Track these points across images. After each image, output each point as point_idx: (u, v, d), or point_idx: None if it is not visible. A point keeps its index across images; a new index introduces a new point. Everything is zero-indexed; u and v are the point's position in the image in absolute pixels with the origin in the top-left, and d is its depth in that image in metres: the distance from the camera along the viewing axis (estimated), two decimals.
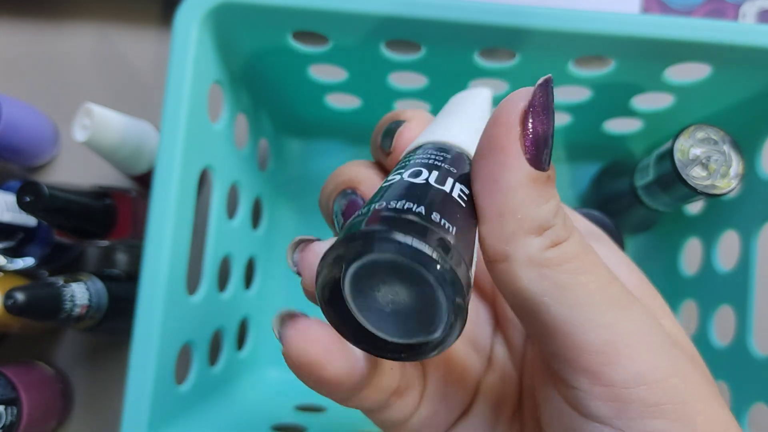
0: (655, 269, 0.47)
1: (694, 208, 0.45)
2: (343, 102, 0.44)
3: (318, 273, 0.15)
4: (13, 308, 0.35)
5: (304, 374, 0.16)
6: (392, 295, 0.15)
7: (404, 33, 0.33)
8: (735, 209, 0.40)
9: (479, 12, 0.31)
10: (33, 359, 0.47)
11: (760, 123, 0.38)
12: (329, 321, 0.16)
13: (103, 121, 0.40)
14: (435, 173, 0.16)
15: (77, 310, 0.39)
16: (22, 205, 0.36)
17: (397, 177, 0.16)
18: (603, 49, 0.33)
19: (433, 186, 0.16)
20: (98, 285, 0.41)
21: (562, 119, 0.44)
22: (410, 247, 0.14)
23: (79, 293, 0.39)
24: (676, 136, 0.36)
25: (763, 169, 0.38)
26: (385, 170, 0.20)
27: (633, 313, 0.16)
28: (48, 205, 0.36)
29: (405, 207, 0.15)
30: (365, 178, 0.18)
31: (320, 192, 0.19)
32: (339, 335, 0.16)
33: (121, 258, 0.50)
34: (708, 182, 0.36)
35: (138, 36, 0.52)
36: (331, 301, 0.15)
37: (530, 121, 0.15)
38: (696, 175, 0.36)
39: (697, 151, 0.36)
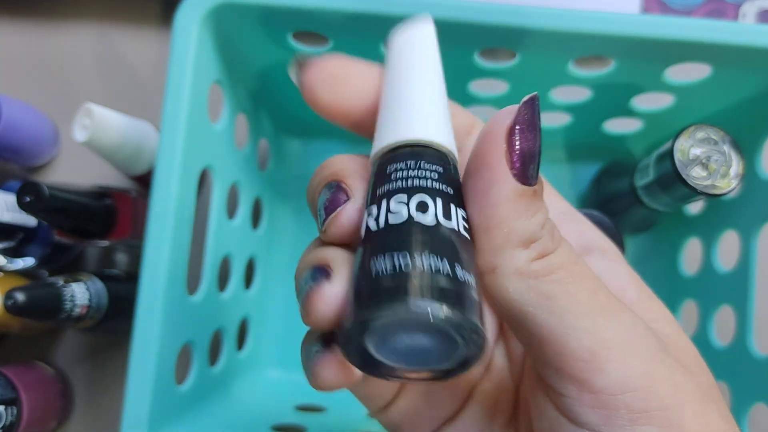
0: (655, 269, 0.47)
1: (694, 208, 0.45)
2: None
3: (344, 326, 0.15)
4: (13, 308, 0.35)
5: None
6: (413, 339, 0.15)
7: None
8: (735, 209, 0.40)
9: (479, 12, 0.31)
10: (33, 359, 0.47)
11: (760, 123, 0.38)
12: (344, 356, 0.16)
13: (103, 121, 0.40)
14: (439, 203, 0.16)
15: (77, 310, 0.39)
16: (22, 205, 0.36)
17: (403, 210, 0.16)
18: (603, 49, 0.33)
19: (443, 227, 0.16)
20: (98, 285, 0.41)
21: (562, 119, 0.44)
22: (445, 319, 0.14)
23: (79, 293, 0.39)
24: (676, 136, 0.36)
25: (763, 169, 0.38)
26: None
27: (621, 320, 0.16)
28: (48, 205, 0.36)
29: (433, 267, 0.15)
30: (352, 171, 0.18)
31: (308, 185, 0.19)
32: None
33: (121, 258, 0.50)
34: (708, 182, 0.36)
35: (138, 36, 0.52)
36: (349, 344, 0.16)
37: (516, 138, 0.16)
38: (696, 175, 0.36)
39: (697, 151, 0.36)
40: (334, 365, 0.17)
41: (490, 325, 0.22)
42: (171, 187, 0.31)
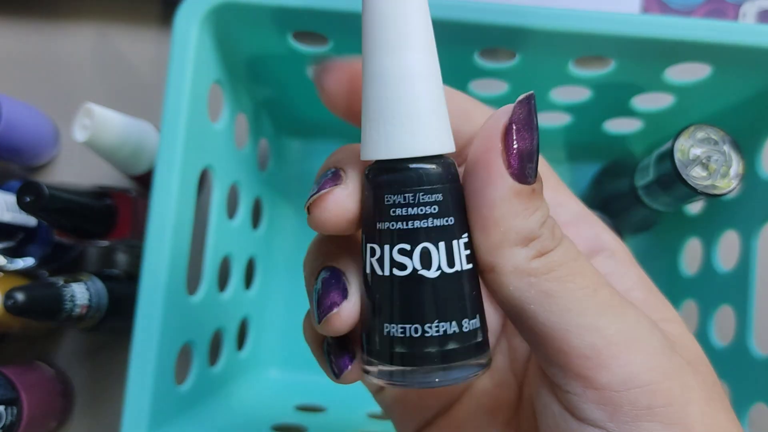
0: (655, 269, 0.47)
1: (694, 208, 0.45)
2: None
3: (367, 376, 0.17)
4: (13, 308, 0.35)
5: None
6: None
7: None
8: (735, 209, 0.40)
9: (479, 12, 0.31)
10: (33, 359, 0.47)
11: (760, 123, 0.38)
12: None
13: (103, 121, 0.40)
14: (442, 249, 0.16)
15: (77, 310, 0.39)
16: (22, 205, 0.36)
17: (407, 263, 0.16)
18: (603, 49, 0.33)
19: (448, 277, 0.16)
20: (98, 285, 0.41)
21: (562, 119, 0.44)
22: (460, 378, 0.16)
23: (79, 293, 0.39)
24: (676, 136, 0.36)
25: (763, 169, 0.38)
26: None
27: (624, 317, 0.16)
28: (48, 205, 0.36)
29: (441, 331, 0.16)
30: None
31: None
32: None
33: (121, 258, 0.50)
34: (708, 182, 0.36)
35: (138, 36, 0.52)
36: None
37: (512, 137, 0.16)
38: (696, 175, 0.36)
39: (697, 151, 0.36)
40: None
41: (493, 330, 0.22)
42: (171, 187, 0.31)
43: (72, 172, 0.50)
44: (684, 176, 0.36)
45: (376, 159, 0.16)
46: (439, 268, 0.16)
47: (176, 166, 0.31)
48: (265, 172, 0.46)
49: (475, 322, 0.17)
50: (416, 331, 0.16)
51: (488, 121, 0.16)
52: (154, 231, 0.31)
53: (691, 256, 0.45)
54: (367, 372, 0.17)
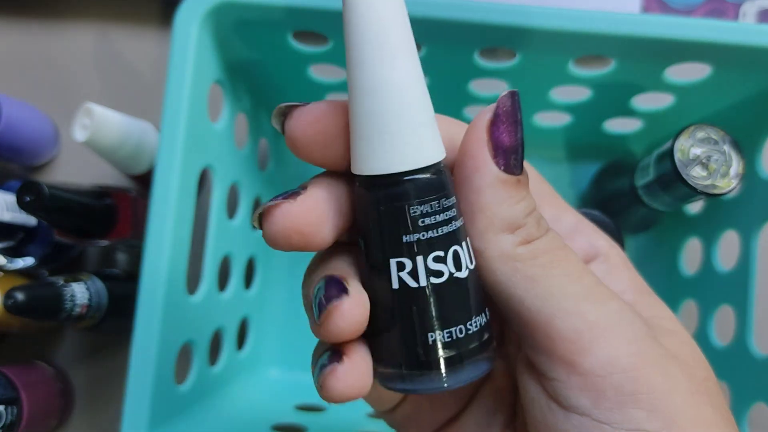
0: (655, 269, 0.47)
1: (694, 207, 0.45)
2: None
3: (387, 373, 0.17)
4: (13, 308, 0.35)
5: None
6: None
7: None
8: (735, 209, 0.40)
9: (479, 12, 0.31)
10: (33, 359, 0.47)
11: (760, 123, 0.38)
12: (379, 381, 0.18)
13: (103, 121, 0.40)
14: (465, 248, 0.17)
15: (77, 310, 0.39)
16: (22, 204, 0.36)
17: (443, 269, 0.16)
18: (603, 48, 0.33)
19: (473, 273, 0.17)
20: (98, 285, 0.41)
21: (562, 119, 0.44)
22: (489, 366, 0.17)
23: (80, 293, 0.39)
24: (676, 136, 0.36)
25: (763, 169, 0.38)
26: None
27: (607, 304, 0.16)
28: (48, 205, 0.36)
29: (478, 325, 0.17)
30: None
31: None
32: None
33: (121, 258, 0.50)
34: (708, 182, 0.36)
35: (138, 36, 0.52)
36: None
37: (497, 129, 0.17)
38: (696, 175, 0.36)
39: (697, 150, 0.36)
40: (343, 378, 0.17)
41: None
42: (171, 187, 0.31)
43: (72, 172, 0.50)
44: (684, 176, 0.36)
45: (388, 173, 0.16)
46: (467, 267, 0.17)
47: (176, 166, 0.31)
48: (265, 172, 0.46)
49: (482, 319, 0.17)
50: (461, 331, 0.16)
51: (476, 116, 0.17)
52: (154, 231, 0.31)
53: (691, 256, 0.45)
54: (406, 387, 0.17)
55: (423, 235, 0.16)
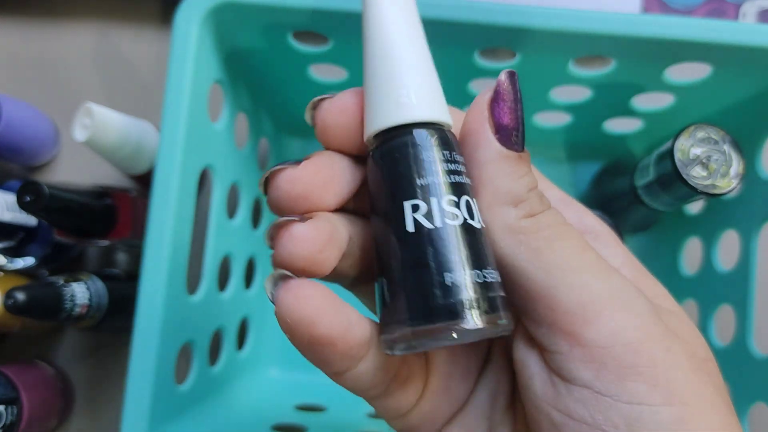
0: (655, 269, 0.46)
1: (695, 207, 0.45)
2: None
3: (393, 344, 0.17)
4: (13, 308, 0.35)
5: (297, 334, 0.16)
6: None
7: None
8: (735, 209, 0.40)
9: (479, 12, 0.31)
10: (33, 358, 0.47)
11: (760, 123, 0.38)
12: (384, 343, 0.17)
13: (103, 121, 0.40)
14: (464, 202, 0.17)
15: (77, 310, 0.39)
16: (23, 204, 0.36)
17: (458, 213, 0.17)
18: (603, 48, 0.33)
19: (471, 228, 0.17)
20: (98, 284, 0.42)
21: (562, 119, 0.44)
22: (486, 332, 0.16)
23: (80, 293, 0.39)
24: (676, 136, 0.36)
25: (763, 169, 0.38)
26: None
27: (610, 278, 0.17)
28: (48, 205, 0.36)
29: (488, 279, 0.16)
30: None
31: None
32: (332, 295, 0.17)
33: (122, 258, 0.50)
34: (708, 182, 0.36)
35: (138, 36, 0.52)
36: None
37: (498, 106, 0.18)
38: (696, 175, 0.36)
39: (697, 150, 0.36)
40: (299, 289, 0.16)
41: None
42: (171, 187, 0.31)
43: (72, 171, 0.50)
44: (684, 176, 0.36)
45: (403, 123, 0.17)
46: (479, 220, 0.17)
47: (176, 165, 0.31)
48: (265, 172, 0.46)
49: (497, 274, 0.17)
50: (479, 276, 0.16)
51: (478, 96, 0.18)
52: (154, 231, 0.31)
53: (691, 255, 0.45)
54: (416, 343, 0.16)
55: (436, 179, 0.17)
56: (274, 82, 0.41)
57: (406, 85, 0.17)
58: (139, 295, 0.30)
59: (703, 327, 0.42)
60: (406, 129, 0.17)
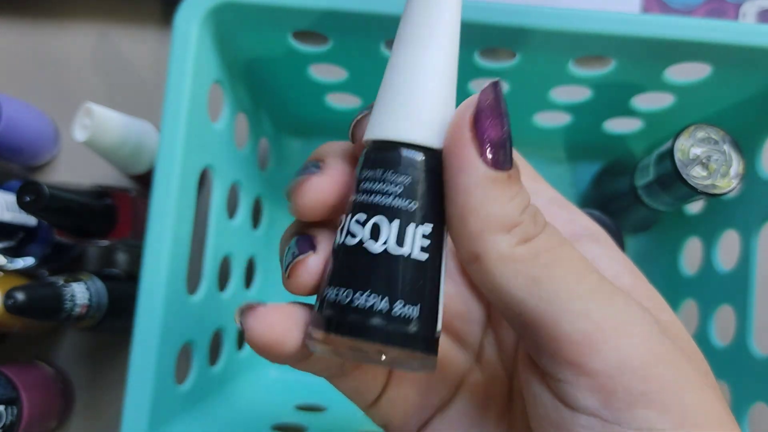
0: (655, 269, 0.47)
1: (695, 207, 0.45)
2: (343, 102, 0.44)
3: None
4: (13, 308, 0.35)
5: (267, 354, 0.18)
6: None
7: None
8: (735, 209, 0.40)
9: (479, 12, 0.31)
10: (33, 359, 0.47)
11: (760, 123, 0.38)
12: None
13: (103, 121, 0.40)
14: (394, 226, 0.17)
15: (77, 310, 0.39)
16: (23, 204, 0.36)
17: (358, 233, 0.17)
18: (603, 48, 0.33)
19: (391, 256, 0.16)
20: (98, 285, 0.41)
21: (562, 119, 0.44)
22: (385, 362, 0.16)
23: (80, 293, 0.39)
24: (676, 136, 0.36)
25: (763, 169, 0.38)
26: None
27: (613, 302, 0.16)
28: (48, 205, 0.36)
29: (368, 306, 0.16)
30: (332, 151, 0.19)
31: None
32: (291, 316, 0.18)
33: (121, 258, 0.50)
34: (708, 182, 0.36)
35: (138, 36, 0.52)
36: None
37: (482, 124, 0.16)
38: (696, 175, 0.36)
39: (697, 150, 0.36)
40: (266, 316, 0.18)
41: (478, 321, 0.22)
42: (171, 187, 0.31)
43: (72, 172, 0.50)
44: (684, 176, 0.36)
45: (369, 139, 0.17)
46: (385, 243, 0.16)
47: (176, 165, 0.31)
48: (265, 171, 0.46)
49: (412, 311, 0.16)
50: (346, 296, 0.16)
51: (457, 111, 0.17)
52: (154, 231, 0.31)
53: (691, 255, 0.45)
54: (309, 340, 0.17)
55: (358, 197, 0.17)
56: (274, 82, 0.41)
57: (390, 102, 0.17)
58: (139, 295, 0.30)
59: (703, 327, 0.42)
60: (371, 145, 0.17)
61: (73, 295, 0.39)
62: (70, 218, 0.40)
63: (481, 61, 0.36)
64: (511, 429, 0.20)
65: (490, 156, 0.16)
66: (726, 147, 0.36)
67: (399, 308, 0.16)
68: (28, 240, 0.43)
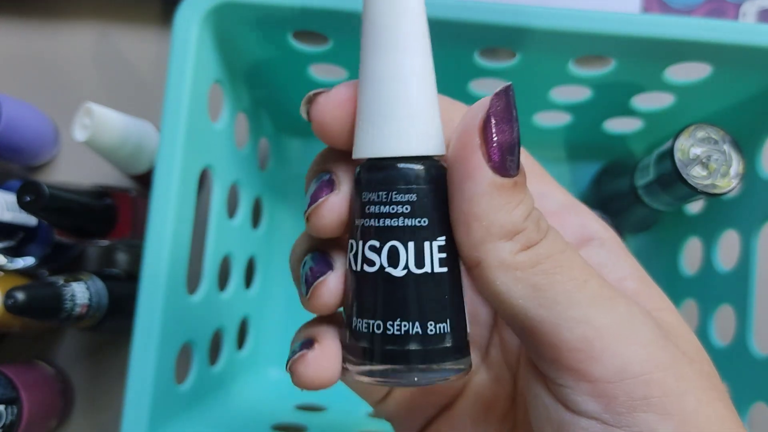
0: (655, 269, 0.47)
1: (695, 207, 0.45)
2: None
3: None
4: (13, 308, 0.35)
5: (310, 389, 0.18)
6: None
7: None
8: (735, 209, 0.40)
9: (479, 12, 0.31)
10: (33, 358, 0.47)
11: (760, 123, 0.38)
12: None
13: (103, 121, 0.40)
14: (411, 248, 0.16)
15: (77, 310, 0.39)
16: (23, 204, 0.36)
17: (376, 259, 0.16)
18: (603, 48, 0.33)
19: (415, 276, 0.16)
20: (98, 284, 0.41)
21: (562, 119, 0.44)
22: (414, 382, 0.16)
23: (80, 293, 0.39)
24: (676, 136, 0.36)
25: (763, 169, 0.38)
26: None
27: (614, 308, 0.16)
28: (48, 205, 0.36)
29: (403, 330, 0.16)
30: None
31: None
32: (336, 357, 0.18)
33: (122, 257, 0.50)
34: (708, 182, 0.36)
35: (138, 36, 0.52)
36: None
37: (491, 130, 0.16)
38: (696, 175, 0.36)
39: (697, 150, 0.36)
40: (313, 364, 0.17)
41: (485, 323, 0.22)
42: (171, 187, 0.31)
43: (72, 171, 0.50)
44: (684, 176, 0.36)
45: (362, 157, 0.17)
46: (405, 267, 0.16)
47: (176, 165, 0.31)
48: (265, 172, 0.46)
49: (443, 327, 0.17)
50: (378, 327, 0.16)
51: (466, 115, 0.16)
52: (154, 230, 0.31)
53: (691, 255, 0.45)
54: (346, 370, 0.18)
55: (366, 222, 0.17)
56: (274, 82, 0.41)
57: (381, 117, 0.17)
58: (139, 295, 0.30)
59: (703, 327, 0.42)
60: (367, 164, 0.17)
61: (73, 295, 0.39)
62: (70, 218, 0.40)
63: (481, 61, 0.36)
64: (514, 430, 0.20)
65: (497, 162, 0.16)
66: (726, 147, 0.36)
67: (431, 328, 0.16)
68: (28, 240, 0.43)
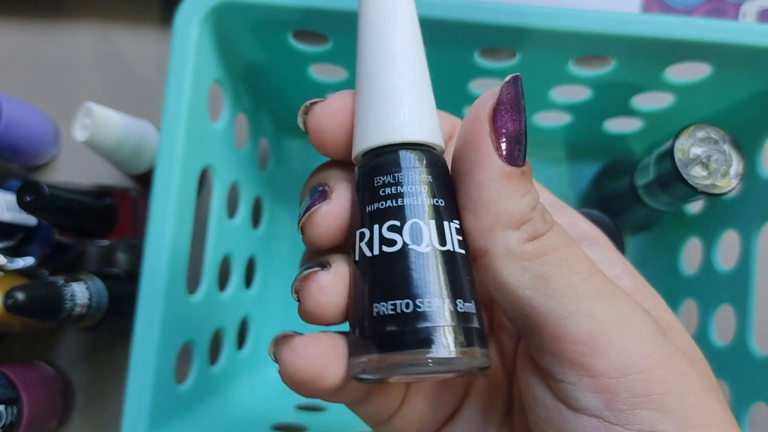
0: (655, 269, 0.47)
1: (695, 207, 0.45)
2: None
3: (355, 369, 0.16)
4: (13, 308, 0.35)
5: (303, 390, 0.17)
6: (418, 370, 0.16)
7: None
8: (735, 209, 0.40)
9: (479, 12, 0.31)
10: (33, 358, 0.47)
11: (760, 123, 0.38)
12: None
13: (103, 121, 0.40)
14: (433, 226, 0.16)
15: (77, 310, 0.39)
16: (23, 204, 0.36)
17: (397, 238, 0.16)
18: (603, 48, 0.33)
19: (440, 254, 0.16)
20: (98, 284, 0.41)
21: (562, 119, 0.44)
22: (448, 364, 0.15)
23: (80, 293, 0.39)
24: (676, 136, 0.36)
25: (763, 169, 0.38)
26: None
27: (618, 304, 0.16)
28: (48, 205, 0.36)
29: (436, 306, 0.15)
30: (336, 175, 0.18)
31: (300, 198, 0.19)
32: (332, 347, 0.17)
33: (122, 257, 0.50)
34: (708, 182, 0.36)
35: (138, 36, 0.52)
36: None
37: (501, 118, 0.16)
38: (696, 175, 0.36)
39: (697, 150, 0.36)
40: (305, 348, 0.16)
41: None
42: (171, 187, 0.31)
43: (72, 171, 0.50)
44: (684, 176, 0.36)
45: (367, 148, 0.17)
46: (430, 243, 0.16)
47: (176, 165, 0.31)
48: (265, 171, 0.46)
49: (471, 306, 0.16)
50: (407, 306, 0.15)
51: (475, 103, 0.16)
52: (154, 230, 0.31)
53: (691, 255, 0.45)
54: (357, 373, 0.16)
55: (382, 204, 0.16)
56: (274, 82, 0.41)
57: (386, 105, 0.17)
58: (139, 295, 0.30)
59: (703, 327, 0.42)
60: (369, 154, 0.17)
61: (73, 295, 0.39)
62: (70, 218, 0.40)
63: (481, 60, 0.36)
64: None
65: (506, 152, 0.16)
66: (726, 147, 0.36)
67: (461, 306, 0.16)
68: (28, 240, 0.43)
